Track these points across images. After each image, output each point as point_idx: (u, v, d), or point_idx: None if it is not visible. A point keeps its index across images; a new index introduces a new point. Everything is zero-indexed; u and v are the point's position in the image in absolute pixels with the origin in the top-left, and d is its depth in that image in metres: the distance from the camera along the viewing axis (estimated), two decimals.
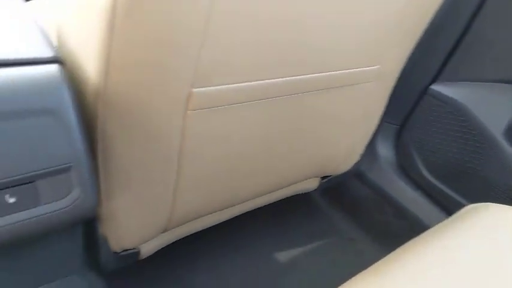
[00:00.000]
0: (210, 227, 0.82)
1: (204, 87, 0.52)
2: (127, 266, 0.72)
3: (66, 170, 0.42)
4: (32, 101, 0.41)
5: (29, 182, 0.41)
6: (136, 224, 0.62)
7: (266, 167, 0.74)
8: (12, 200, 0.40)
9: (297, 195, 0.95)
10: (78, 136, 0.43)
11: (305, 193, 0.98)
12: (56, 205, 0.42)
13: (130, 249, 0.68)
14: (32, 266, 0.55)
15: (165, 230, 0.69)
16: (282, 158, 0.75)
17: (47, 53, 0.46)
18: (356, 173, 1.02)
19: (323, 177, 0.96)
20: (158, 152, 0.56)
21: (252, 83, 0.57)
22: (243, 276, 0.87)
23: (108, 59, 0.44)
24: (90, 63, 0.46)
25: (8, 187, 0.39)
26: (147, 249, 0.71)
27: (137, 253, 0.70)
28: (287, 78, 0.61)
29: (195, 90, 0.51)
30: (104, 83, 0.46)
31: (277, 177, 0.79)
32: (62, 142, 0.42)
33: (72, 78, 0.46)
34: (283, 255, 0.94)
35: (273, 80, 0.59)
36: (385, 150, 1.00)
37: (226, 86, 0.54)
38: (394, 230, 0.98)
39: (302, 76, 0.63)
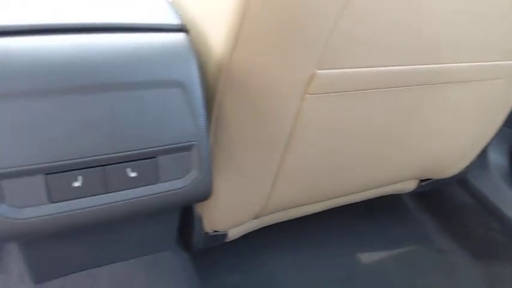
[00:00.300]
0: (296, 218, 0.77)
1: (328, 69, 0.48)
2: (212, 247, 0.71)
3: (188, 149, 0.39)
4: (159, 70, 0.38)
5: (151, 158, 0.38)
6: (232, 207, 0.60)
7: (370, 163, 0.68)
8: (133, 175, 0.38)
9: (387, 195, 0.88)
10: (202, 112, 0.40)
11: (396, 194, 0.90)
12: (173, 184, 0.40)
13: (219, 231, 0.66)
14: (130, 238, 0.54)
15: (256, 216, 0.66)
16: (388, 154, 0.68)
17: (174, 21, 0.42)
18: (458, 179, 0.91)
19: (422, 179, 0.87)
20: (268, 136, 0.52)
21: (376, 68, 0.52)
22: (322, 271, 0.82)
23: (238, 32, 0.40)
24: (217, 35, 0.42)
25: (130, 160, 0.37)
26: (234, 233, 0.69)
27: (225, 235, 0.68)
28: (412, 66, 0.55)
29: (318, 71, 0.47)
30: (229, 57, 0.42)
31: (379, 175, 0.73)
32: (187, 118, 0.39)
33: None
34: (366, 257, 0.88)
35: (397, 68, 0.54)
36: (498, 157, 0.89)
37: (351, 69, 0.50)
38: (498, 248, 0.87)
39: (427, 66, 0.56)
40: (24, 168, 0.33)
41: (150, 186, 0.39)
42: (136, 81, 0.36)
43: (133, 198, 0.38)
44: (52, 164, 0.34)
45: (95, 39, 0.37)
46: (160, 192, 0.39)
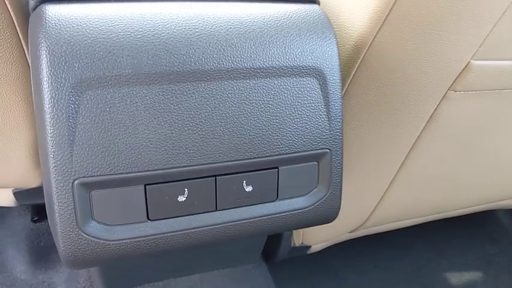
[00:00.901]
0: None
1: (487, 60, 0.37)
2: (291, 258, 0.63)
3: (317, 158, 0.30)
4: (295, 52, 0.28)
5: (272, 168, 0.29)
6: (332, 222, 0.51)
7: (491, 173, 0.57)
8: (248, 189, 0.29)
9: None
10: (340, 112, 0.30)
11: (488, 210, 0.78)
12: (294, 203, 0.30)
13: (306, 244, 0.57)
14: (217, 252, 0.47)
15: (352, 231, 0.57)
16: (508, 165, 0.56)
17: None
18: None
19: None
20: (394, 139, 0.43)
21: None
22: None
23: (389, 12, 0.30)
24: (356, 12, 0.32)
25: (247, 171, 0.28)
26: (318, 246, 0.60)
27: (308, 247, 0.59)
28: None
29: (474, 62, 0.36)
30: (370, 41, 0.32)
31: (496, 188, 0.61)
32: (321, 118, 0.29)
33: None
34: (455, 277, 0.77)
35: None
36: None
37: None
38: None
39: None
40: (119, 176, 0.25)
41: (268, 204, 0.30)
42: (266, 66, 0.27)
43: (246, 220, 0.29)
44: (154, 172, 0.26)
45: (214, 8, 0.28)
46: (278, 213, 0.30)
